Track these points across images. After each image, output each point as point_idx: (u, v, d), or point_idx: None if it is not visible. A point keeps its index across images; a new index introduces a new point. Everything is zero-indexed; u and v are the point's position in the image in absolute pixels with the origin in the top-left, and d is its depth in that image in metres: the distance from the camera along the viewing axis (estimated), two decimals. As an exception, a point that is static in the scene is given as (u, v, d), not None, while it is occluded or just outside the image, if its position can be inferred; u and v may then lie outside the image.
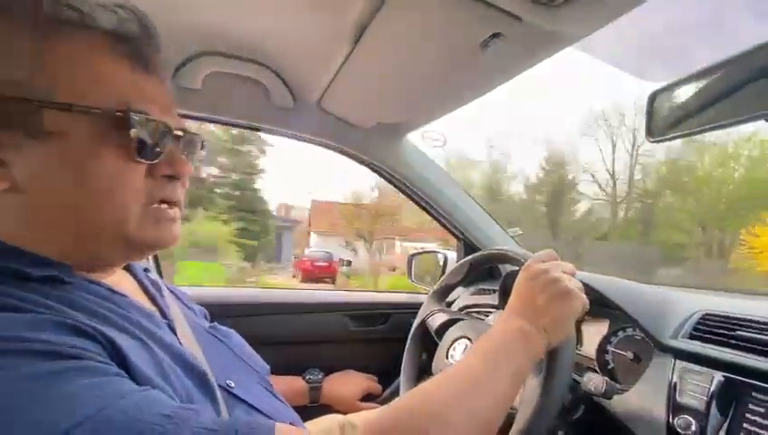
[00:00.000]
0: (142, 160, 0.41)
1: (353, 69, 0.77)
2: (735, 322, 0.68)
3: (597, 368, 0.87)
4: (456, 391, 0.44)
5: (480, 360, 0.49)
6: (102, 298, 0.42)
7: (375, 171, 1.16)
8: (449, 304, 1.23)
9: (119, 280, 0.49)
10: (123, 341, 0.37)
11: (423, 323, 0.93)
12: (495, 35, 0.59)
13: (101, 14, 0.40)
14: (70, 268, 0.41)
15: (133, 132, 0.39)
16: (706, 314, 0.73)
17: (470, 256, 0.88)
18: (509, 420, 0.61)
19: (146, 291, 0.53)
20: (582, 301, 0.57)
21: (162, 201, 0.44)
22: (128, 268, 0.53)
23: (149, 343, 0.41)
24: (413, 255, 1.48)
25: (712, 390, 0.60)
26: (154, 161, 0.42)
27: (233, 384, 0.50)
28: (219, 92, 0.92)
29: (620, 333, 0.87)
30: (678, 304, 0.80)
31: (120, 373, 0.34)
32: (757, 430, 0.55)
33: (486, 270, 1.26)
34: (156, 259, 1.18)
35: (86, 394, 0.30)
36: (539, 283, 0.56)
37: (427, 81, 0.76)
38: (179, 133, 0.45)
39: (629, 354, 0.82)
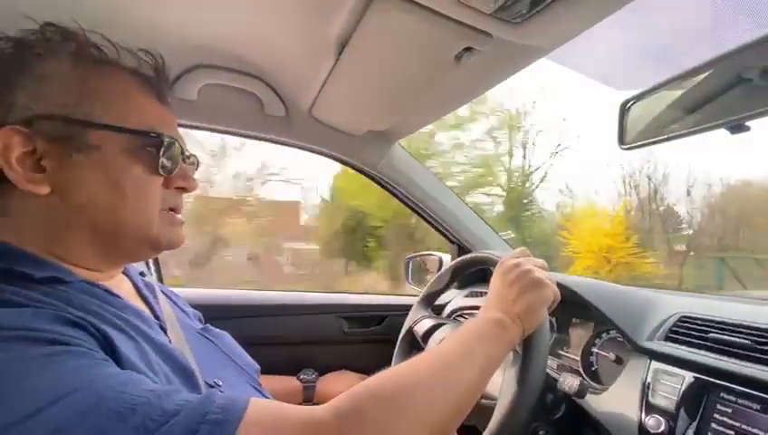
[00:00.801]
0: (163, 174, 0.49)
1: (339, 80, 0.80)
2: (710, 324, 0.69)
3: (581, 369, 0.89)
4: (427, 371, 0.46)
5: (454, 344, 0.51)
6: (98, 298, 0.45)
7: (368, 177, 1.19)
8: (443, 307, 1.26)
9: (116, 283, 0.52)
10: (115, 335, 0.40)
11: (410, 331, 0.96)
12: (468, 49, 0.62)
13: (127, 57, 0.50)
14: (70, 271, 0.45)
15: (162, 150, 0.48)
16: (684, 317, 0.74)
17: (452, 263, 0.91)
18: (489, 409, 0.63)
19: (140, 293, 0.56)
20: (553, 289, 0.61)
21: (171, 209, 0.52)
22: (124, 272, 0.57)
23: (140, 341, 0.44)
24: (410, 257, 1.51)
25: (682, 390, 0.62)
26: (171, 175, 0.50)
27: (220, 383, 0.53)
28: (214, 103, 0.95)
29: (604, 336, 0.89)
30: (658, 306, 0.81)
31: (107, 359, 0.37)
32: (725, 430, 0.56)
33: (479, 273, 1.28)
34: (156, 263, 1.22)
35: (76, 372, 0.34)
36: (511, 275, 0.60)
37: (408, 91, 0.79)
38: (188, 154, 0.54)
39: (611, 356, 0.84)
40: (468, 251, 1.27)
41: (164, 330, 0.53)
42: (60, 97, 0.44)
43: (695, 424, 0.60)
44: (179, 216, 0.54)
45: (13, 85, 0.43)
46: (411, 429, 0.40)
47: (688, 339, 0.69)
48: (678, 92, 0.61)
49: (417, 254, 1.49)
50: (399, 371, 0.46)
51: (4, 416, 0.30)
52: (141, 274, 0.61)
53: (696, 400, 0.61)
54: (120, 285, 0.53)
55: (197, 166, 0.58)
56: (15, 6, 0.51)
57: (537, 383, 0.59)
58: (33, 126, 0.43)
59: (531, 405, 0.59)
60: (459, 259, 0.90)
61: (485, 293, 1.16)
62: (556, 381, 0.76)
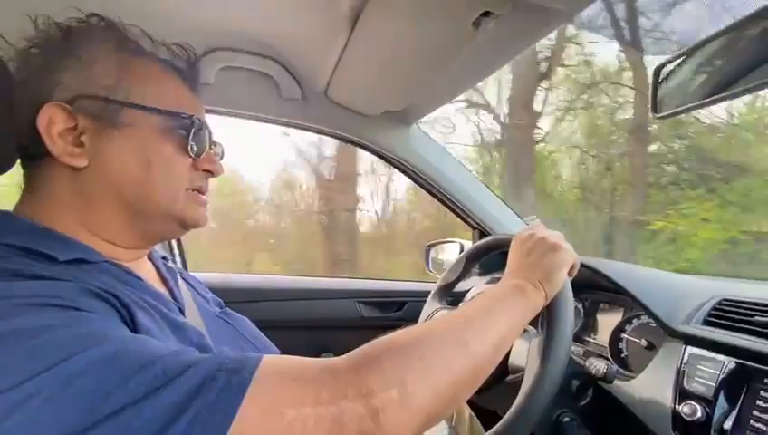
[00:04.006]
0: (191, 155, 0.51)
1: (353, 56, 0.78)
2: (754, 307, 0.64)
3: (609, 356, 0.84)
4: (447, 328, 0.45)
5: (474, 307, 0.50)
6: (119, 279, 0.46)
7: (385, 160, 1.17)
8: (463, 295, 1.23)
9: (139, 265, 0.54)
10: (136, 310, 0.41)
11: None
12: (486, 14, 0.58)
13: (161, 49, 0.53)
14: (95, 251, 0.46)
15: (191, 132, 0.50)
16: (724, 300, 0.69)
17: (465, 251, 0.88)
18: (512, 387, 0.61)
19: (162, 277, 0.58)
20: (571, 253, 0.60)
21: (196, 189, 0.54)
22: (149, 256, 0.58)
23: (158, 319, 0.45)
24: (430, 245, 1.48)
25: (722, 376, 0.58)
26: (199, 157, 0.52)
27: None
28: (231, 86, 0.95)
29: (635, 321, 0.85)
30: (695, 290, 0.76)
31: (126, 328, 0.39)
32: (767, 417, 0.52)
33: (500, 258, 1.24)
34: (180, 247, 1.25)
35: (98, 331, 0.35)
36: (528, 244, 0.61)
37: (425, 64, 0.76)
38: (216, 141, 0.57)
39: (643, 342, 0.79)
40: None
41: (182, 313, 0.53)
42: (102, 79, 0.47)
43: (735, 412, 0.55)
44: (204, 197, 0.55)
45: (60, 67, 0.46)
46: (427, 381, 0.39)
47: (729, 323, 0.64)
48: (721, 51, 0.56)
49: (438, 241, 1.47)
50: (420, 326, 0.46)
51: (27, 369, 0.31)
52: (164, 258, 0.62)
53: (737, 386, 0.56)
54: (143, 268, 0.55)
55: (222, 155, 0.60)
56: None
57: (563, 354, 0.56)
58: (75, 104, 0.45)
59: (556, 383, 0.56)
60: (472, 246, 0.87)
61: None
62: (582, 367, 0.72)
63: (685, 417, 0.58)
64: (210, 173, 0.55)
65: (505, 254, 1.14)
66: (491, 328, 0.47)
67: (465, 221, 1.26)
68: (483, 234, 1.26)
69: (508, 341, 0.49)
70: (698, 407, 0.57)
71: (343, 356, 0.39)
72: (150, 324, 0.42)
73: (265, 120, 1.06)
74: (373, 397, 0.35)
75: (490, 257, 0.92)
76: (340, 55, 0.80)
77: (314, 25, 0.75)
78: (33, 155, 0.47)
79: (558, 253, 0.58)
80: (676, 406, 0.60)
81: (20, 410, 0.29)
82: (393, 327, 1.31)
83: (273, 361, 0.37)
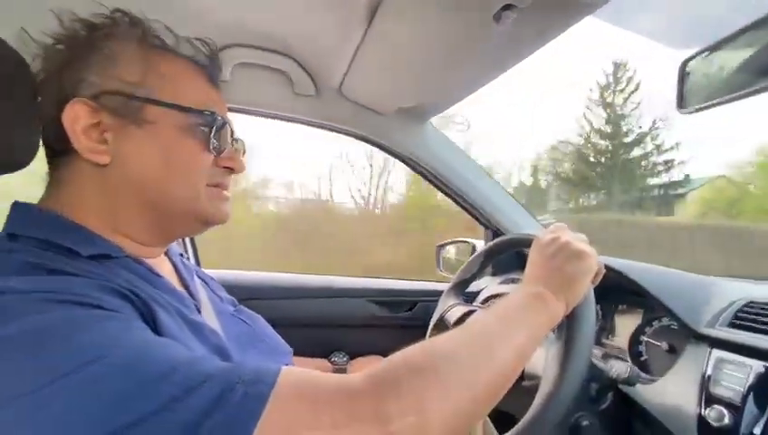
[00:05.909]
0: (212, 152, 0.51)
1: (369, 52, 0.77)
2: None
3: (628, 359, 0.82)
4: (464, 342, 0.43)
5: (492, 317, 0.49)
6: (141, 276, 0.46)
7: (398, 158, 1.16)
8: (476, 295, 1.22)
9: (158, 262, 0.54)
10: (157, 309, 0.42)
11: (441, 319, 0.92)
12: (507, 7, 0.57)
13: (184, 44, 0.53)
14: (118, 248, 0.47)
15: (213, 129, 0.50)
16: (751, 302, 0.67)
17: (483, 248, 0.86)
18: (529, 392, 0.59)
19: (179, 274, 0.58)
20: (596, 259, 0.57)
21: (217, 185, 0.53)
22: (166, 253, 0.58)
23: (177, 318, 0.45)
24: (441, 245, 1.47)
25: (749, 381, 0.56)
26: (220, 155, 0.52)
27: None
28: (246, 83, 0.95)
29: (655, 323, 0.83)
30: (720, 291, 0.74)
31: (148, 329, 0.38)
32: (801, 425, 0.50)
33: (515, 258, 1.23)
34: (193, 245, 1.25)
35: (119, 334, 0.35)
36: (550, 249, 0.57)
37: (442, 59, 0.75)
38: (237, 137, 0.56)
39: (664, 345, 0.77)
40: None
41: (198, 311, 0.53)
42: (125, 75, 0.47)
43: (764, 418, 0.53)
44: (226, 192, 0.55)
45: (84, 63, 0.46)
46: (447, 404, 0.37)
47: (756, 326, 0.62)
48: (750, 45, 0.54)
49: (449, 240, 1.45)
50: (438, 341, 0.44)
51: (48, 372, 0.30)
52: (181, 255, 0.62)
53: (766, 391, 0.54)
54: (162, 265, 0.55)
55: (244, 151, 0.59)
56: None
57: (582, 366, 0.55)
58: (99, 100, 0.46)
59: (575, 388, 0.54)
60: (492, 242, 0.86)
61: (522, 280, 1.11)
62: (601, 371, 0.71)
63: (711, 422, 0.56)
64: (231, 170, 0.54)
65: (520, 254, 1.12)
66: (511, 342, 0.45)
67: (479, 220, 1.25)
68: (496, 234, 1.25)
69: (527, 353, 0.48)
70: (726, 412, 0.55)
71: (361, 374, 0.38)
72: (171, 323, 0.42)
73: (279, 118, 1.06)
74: (391, 423, 0.34)
75: (503, 257, 0.91)
76: (355, 51, 0.79)
77: (330, 21, 0.74)
78: (58, 150, 0.47)
79: (583, 260, 0.55)
80: (702, 411, 0.58)
81: (33, 418, 0.29)
82: (404, 327, 1.30)
83: (290, 376, 0.36)
